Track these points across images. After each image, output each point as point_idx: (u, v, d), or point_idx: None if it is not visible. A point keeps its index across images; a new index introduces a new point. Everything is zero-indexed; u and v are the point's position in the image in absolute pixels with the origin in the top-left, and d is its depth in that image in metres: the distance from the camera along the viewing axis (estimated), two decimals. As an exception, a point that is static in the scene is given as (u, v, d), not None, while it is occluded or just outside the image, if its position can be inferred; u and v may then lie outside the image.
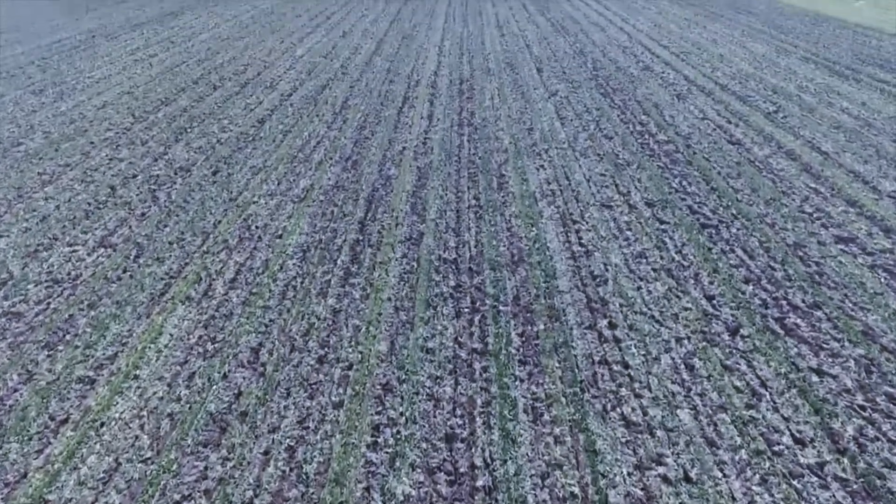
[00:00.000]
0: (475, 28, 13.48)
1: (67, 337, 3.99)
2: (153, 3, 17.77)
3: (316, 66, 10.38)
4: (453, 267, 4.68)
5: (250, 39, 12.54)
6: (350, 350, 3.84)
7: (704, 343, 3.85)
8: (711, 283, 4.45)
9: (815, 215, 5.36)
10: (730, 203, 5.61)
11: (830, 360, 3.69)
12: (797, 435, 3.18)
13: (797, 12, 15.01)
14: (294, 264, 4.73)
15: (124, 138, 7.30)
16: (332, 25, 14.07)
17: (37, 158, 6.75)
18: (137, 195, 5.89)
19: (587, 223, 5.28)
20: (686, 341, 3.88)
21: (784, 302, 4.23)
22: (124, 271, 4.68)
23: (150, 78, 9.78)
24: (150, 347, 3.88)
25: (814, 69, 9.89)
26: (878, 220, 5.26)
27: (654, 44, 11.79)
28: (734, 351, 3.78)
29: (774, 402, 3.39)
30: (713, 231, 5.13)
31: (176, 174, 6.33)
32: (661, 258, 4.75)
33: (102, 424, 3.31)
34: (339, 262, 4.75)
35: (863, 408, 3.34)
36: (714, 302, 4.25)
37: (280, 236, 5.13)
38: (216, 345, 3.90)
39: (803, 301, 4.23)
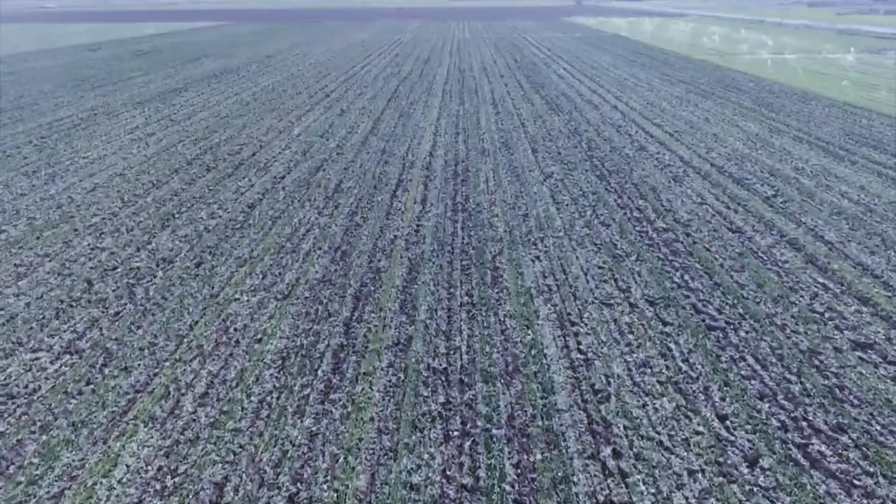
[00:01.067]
0: (471, 106, 13.75)
1: (11, 469, 3.58)
2: (158, 80, 18.30)
3: (312, 147, 10.42)
4: (443, 378, 4.33)
5: (249, 117, 12.73)
6: (325, 487, 3.43)
7: (721, 478, 3.45)
8: (723, 398, 4.10)
9: (827, 316, 5.07)
10: (736, 301, 5.33)
11: (865, 502, 3.28)
12: None
13: (785, 90, 15.39)
14: (271, 375, 4.38)
15: (109, 225, 7.13)
16: (331, 103, 14.37)
17: (16, 248, 6.54)
18: (114, 291, 5.62)
19: (586, 325, 4.98)
20: (700, 475, 3.48)
21: (805, 423, 3.86)
22: (87, 383, 4.33)
23: (144, 158, 9.79)
24: (101, 483, 3.47)
25: (808, 149, 9.92)
26: (895, 321, 4.96)
27: (647, 122, 11.95)
28: (755, 489, 3.37)
29: (807, 560, 2.96)
30: (720, 335, 4.82)
31: (158, 266, 6.10)
32: (667, 368, 4.42)
33: (32, 590, 2.87)
34: (320, 372, 4.41)
35: (909, 568, 2.91)
36: (728, 423, 3.87)
37: (259, 340, 4.81)
38: (176, 479, 3.50)
39: (826, 423, 3.86)
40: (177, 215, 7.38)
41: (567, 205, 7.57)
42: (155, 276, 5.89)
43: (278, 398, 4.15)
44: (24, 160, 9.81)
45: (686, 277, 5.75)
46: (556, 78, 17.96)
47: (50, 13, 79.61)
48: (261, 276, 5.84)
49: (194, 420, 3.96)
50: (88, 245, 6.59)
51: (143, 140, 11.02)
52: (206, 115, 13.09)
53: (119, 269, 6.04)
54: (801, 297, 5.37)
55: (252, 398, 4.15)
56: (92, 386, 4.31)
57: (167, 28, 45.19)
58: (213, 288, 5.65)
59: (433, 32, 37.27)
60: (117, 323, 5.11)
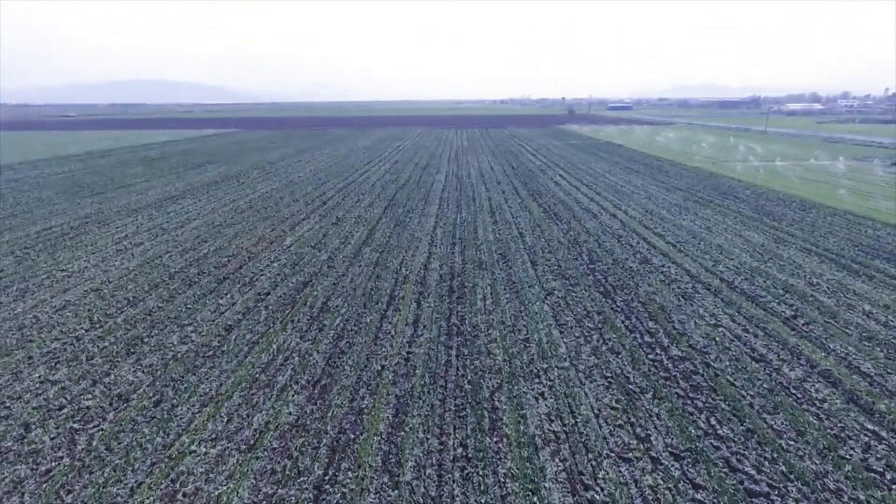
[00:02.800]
0: (468, 214, 13.58)
1: None
2: (159, 187, 18.47)
3: (302, 259, 10.02)
4: (430, 571, 3.47)
5: (241, 226, 12.50)
6: None
7: None
8: None
9: (889, 477, 4.28)
10: (775, 454, 4.55)
11: None
12: None
13: (782, 198, 15.37)
14: (217, 565, 3.52)
15: (69, 352, 6.47)
16: (327, 211, 14.25)
17: (-43, 381, 5.84)
18: (52, 439, 4.85)
19: (603, 489, 4.17)
20: None
21: None
22: (-15, 578, 3.46)
23: (125, 272, 9.33)
24: None
25: (819, 262, 9.49)
26: (970, 485, 4.16)
27: (648, 232, 11.66)
28: None
29: None
30: (765, 504, 4.01)
31: (111, 405, 5.37)
32: (707, 555, 3.57)
33: None
34: (277, 561, 3.56)
35: None
36: None
37: (210, 511, 3.98)
38: None
39: None
40: (146, 339, 6.75)
41: (571, 327, 6.96)
42: (105, 419, 5.14)
43: None
44: (0, 273, 9.36)
45: (713, 421, 5.00)
46: (553, 185, 18.15)
47: (72, 121, 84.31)
48: (225, 420, 5.09)
49: None
50: (39, 377, 5.89)
51: (129, 251, 10.67)
52: (199, 223, 12.91)
53: (65, 410, 5.30)
54: (852, 449, 4.60)
55: None
56: (-11, 583, 3.45)
57: (180, 135, 47.39)
58: (167, 435, 4.89)
59: (433, 139, 38.90)
60: (44, 485, 4.29)
